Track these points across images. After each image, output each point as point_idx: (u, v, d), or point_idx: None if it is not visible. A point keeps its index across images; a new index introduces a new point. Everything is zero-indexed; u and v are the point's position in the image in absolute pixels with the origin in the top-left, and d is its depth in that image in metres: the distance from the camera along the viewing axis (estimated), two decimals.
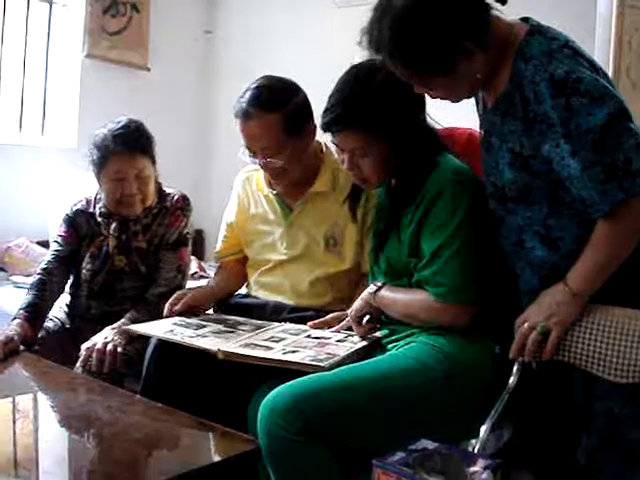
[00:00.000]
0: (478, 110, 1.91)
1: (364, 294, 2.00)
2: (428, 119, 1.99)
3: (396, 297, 1.94)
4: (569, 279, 1.64)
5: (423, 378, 1.76)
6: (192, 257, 2.92)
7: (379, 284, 1.97)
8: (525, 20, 1.72)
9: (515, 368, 1.73)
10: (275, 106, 2.16)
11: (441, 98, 1.77)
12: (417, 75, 1.69)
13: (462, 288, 1.83)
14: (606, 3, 3.72)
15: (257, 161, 2.23)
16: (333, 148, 2.31)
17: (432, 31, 1.60)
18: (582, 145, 1.53)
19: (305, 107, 2.25)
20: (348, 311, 2.04)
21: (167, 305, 2.25)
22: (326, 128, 1.95)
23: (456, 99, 1.79)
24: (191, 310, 2.25)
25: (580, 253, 1.63)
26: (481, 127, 1.87)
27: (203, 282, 3.13)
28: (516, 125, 1.67)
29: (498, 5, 1.68)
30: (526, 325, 1.69)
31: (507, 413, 1.74)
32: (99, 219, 2.57)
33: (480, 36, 1.63)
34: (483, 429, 1.67)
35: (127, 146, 2.45)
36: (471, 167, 1.95)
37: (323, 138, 2.32)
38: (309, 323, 2.12)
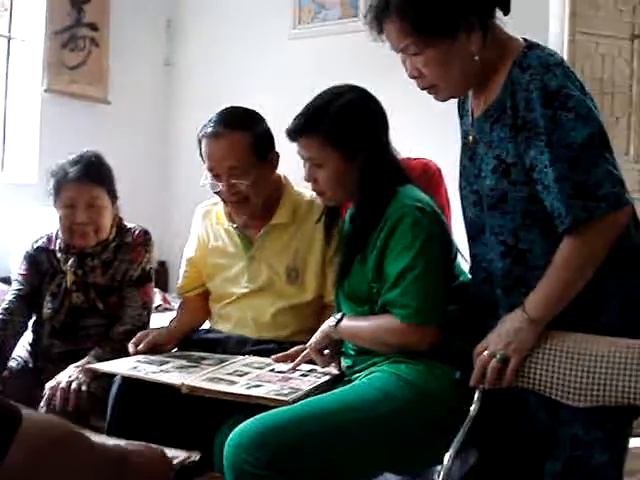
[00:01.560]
0: (462, 124, 1.93)
1: (324, 327, 2.01)
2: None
3: (360, 325, 1.95)
4: (527, 305, 1.67)
5: (387, 407, 1.76)
6: (156, 289, 2.91)
7: (338, 317, 1.98)
8: (524, 40, 1.76)
9: (476, 396, 1.73)
10: (244, 126, 2.19)
11: (429, 87, 1.77)
12: (416, 36, 1.69)
13: (427, 309, 1.85)
14: (557, 30, 3.82)
15: (220, 186, 2.20)
16: (292, 179, 2.34)
17: None
18: (559, 157, 1.57)
19: (270, 135, 2.28)
20: (308, 343, 2.04)
21: (130, 345, 2.23)
22: (289, 135, 1.98)
23: (445, 88, 1.77)
24: (155, 349, 2.24)
25: (544, 269, 1.65)
26: (465, 138, 1.88)
27: (168, 315, 3.11)
28: (504, 132, 1.70)
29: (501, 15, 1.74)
30: (485, 353, 1.71)
31: (471, 440, 1.75)
32: (59, 255, 2.55)
33: (485, 17, 1.68)
34: (447, 457, 1.67)
35: (80, 174, 2.44)
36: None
37: (282, 171, 2.35)
38: (272, 357, 2.12)
